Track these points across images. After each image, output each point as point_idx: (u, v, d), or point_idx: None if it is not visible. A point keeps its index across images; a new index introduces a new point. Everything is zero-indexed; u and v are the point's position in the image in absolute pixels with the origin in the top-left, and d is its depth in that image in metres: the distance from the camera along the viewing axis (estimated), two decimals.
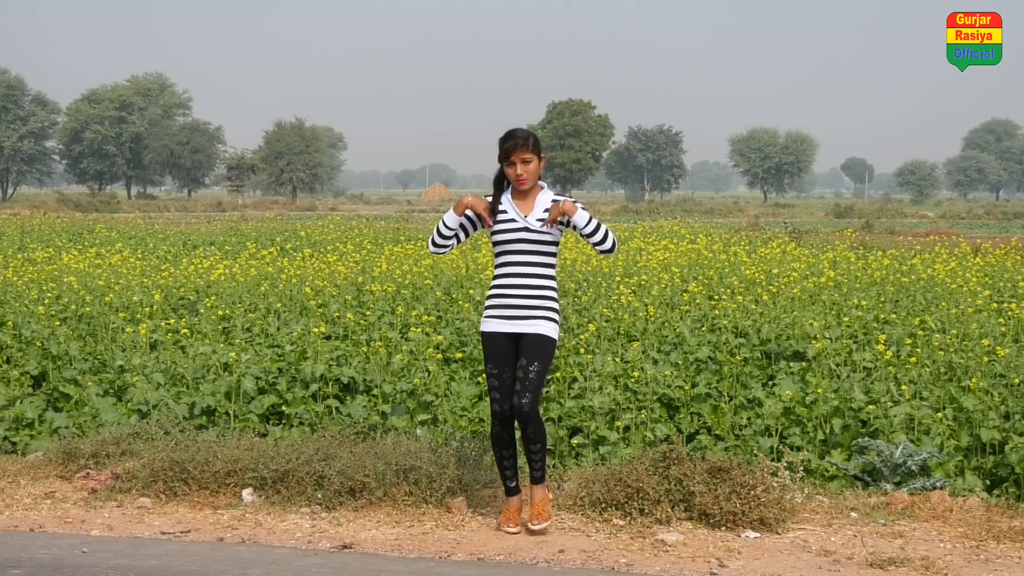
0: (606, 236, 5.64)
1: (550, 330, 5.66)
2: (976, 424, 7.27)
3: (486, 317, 5.76)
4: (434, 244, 5.82)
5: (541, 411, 6.25)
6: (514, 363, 5.70)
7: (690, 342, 9.56)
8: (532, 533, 5.69)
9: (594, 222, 5.62)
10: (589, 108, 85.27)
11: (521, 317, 5.65)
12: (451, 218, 5.76)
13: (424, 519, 6.00)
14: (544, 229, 5.65)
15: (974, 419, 7.31)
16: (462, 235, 5.83)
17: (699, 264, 15.31)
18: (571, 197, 5.78)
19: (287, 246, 21.82)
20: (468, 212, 5.79)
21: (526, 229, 5.67)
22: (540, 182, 5.80)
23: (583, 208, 5.63)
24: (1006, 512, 6.08)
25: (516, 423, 5.80)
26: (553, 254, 5.73)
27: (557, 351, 6.72)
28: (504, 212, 5.73)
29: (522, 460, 6.05)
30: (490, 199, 5.82)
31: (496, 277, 5.76)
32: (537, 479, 5.77)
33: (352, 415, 7.78)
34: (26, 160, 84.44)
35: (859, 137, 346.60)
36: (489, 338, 5.74)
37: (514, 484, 5.88)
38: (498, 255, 5.76)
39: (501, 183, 5.81)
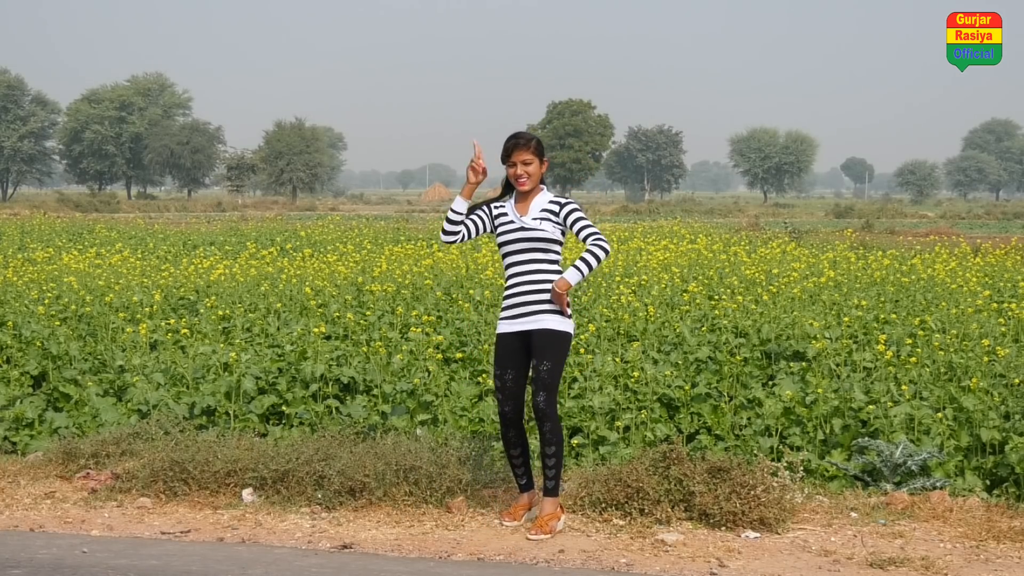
0: (599, 259, 5.65)
1: (556, 323, 5.69)
2: (976, 424, 7.27)
3: (499, 320, 5.87)
4: (444, 232, 5.92)
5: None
6: (519, 364, 5.79)
7: (690, 342, 9.55)
8: (529, 540, 5.70)
9: (585, 268, 5.64)
10: (589, 108, 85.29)
11: (526, 315, 5.73)
12: (459, 204, 5.86)
13: (424, 519, 6.00)
14: (537, 226, 5.71)
15: (974, 419, 7.30)
16: (472, 228, 5.89)
17: (699, 264, 15.31)
18: (568, 196, 5.83)
19: (287, 246, 21.82)
20: (479, 212, 5.89)
21: (522, 228, 5.75)
22: (541, 184, 5.88)
23: (573, 270, 5.63)
24: (1006, 512, 6.08)
25: (521, 424, 5.88)
26: (555, 251, 5.77)
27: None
28: (505, 215, 5.83)
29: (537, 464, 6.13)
30: (496, 200, 5.96)
31: (505, 280, 5.87)
32: (549, 490, 5.76)
33: (352, 415, 7.78)
34: (26, 160, 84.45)
35: (859, 137, 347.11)
36: (499, 340, 5.85)
37: (525, 481, 5.98)
38: (503, 258, 5.86)
39: (510, 186, 5.90)
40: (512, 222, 5.79)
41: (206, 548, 5.60)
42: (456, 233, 5.90)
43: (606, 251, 5.66)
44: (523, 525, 5.86)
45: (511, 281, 5.79)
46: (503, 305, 5.84)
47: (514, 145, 5.77)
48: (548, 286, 5.71)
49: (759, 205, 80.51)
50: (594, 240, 5.65)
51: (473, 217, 5.91)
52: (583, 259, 5.65)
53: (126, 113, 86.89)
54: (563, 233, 5.79)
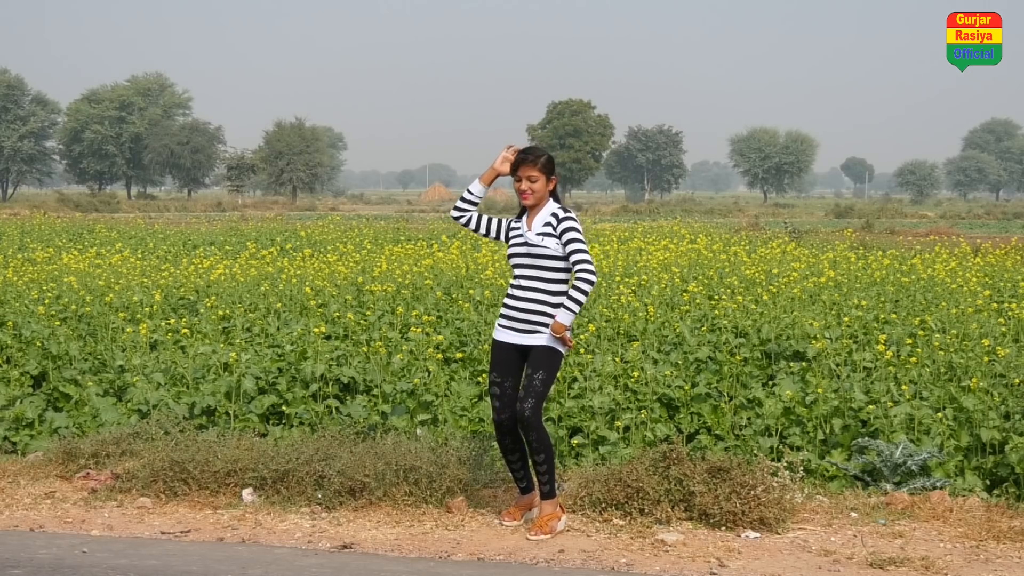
0: (586, 292, 5.65)
1: (554, 342, 5.73)
2: (976, 424, 7.27)
3: (497, 326, 5.90)
4: (455, 208, 6.09)
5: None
6: (517, 374, 5.81)
7: (690, 342, 9.56)
8: (529, 540, 5.70)
9: (575, 307, 5.64)
10: (589, 108, 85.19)
11: (526, 331, 5.76)
12: (476, 187, 6.01)
13: (424, 519, 6.00)
14: (539, 242, 5.73)
15: (974, 419, 7.31)
16: (484, 223, 6.03)
17: (699, 264, 15.31)
18: (568, 210, 5.81)
19: (287, 246, 21.82)
20: (499, 220, 6.02)
21: (527, 244, 5.79)
22: (550, 196, 5.90)
23: (564, 311, 5.64)
24: (1006, 512, 6.08)
25: (517, 431, 5.86)
26: (558, 268, 5.75)
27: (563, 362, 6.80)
28: (517, 227, 5.91)
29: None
30: (512, 219, 6.03)
31: (509, 288, 5.91)
32: (545, 494, 5.79)
33: (352, 415, 7.78)
34: (26, 160, 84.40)
35: (859, 137, 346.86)
36: (496, 346, 5.88)
37: (525, 484, 5.99)
38: (511, 268, 5.93)
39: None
40: (521, 235, 5.84)
41: (206, 548, 5.60)
42: (467, 212, 6.05)
43: (591, 283, 5.66)
44: (523, 525, 5.87)
45: (514, 291, 5.82)
46: (502, 311, 5.87)
47: (521, 160, 5.81)
48: (548, 307, 5.70)
49: (759, 205, 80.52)
50: (579, 271, 5.64)
51: (492, 218, 6.04)
52: (571, 297, 5.65)
53: (126, 113, 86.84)
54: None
